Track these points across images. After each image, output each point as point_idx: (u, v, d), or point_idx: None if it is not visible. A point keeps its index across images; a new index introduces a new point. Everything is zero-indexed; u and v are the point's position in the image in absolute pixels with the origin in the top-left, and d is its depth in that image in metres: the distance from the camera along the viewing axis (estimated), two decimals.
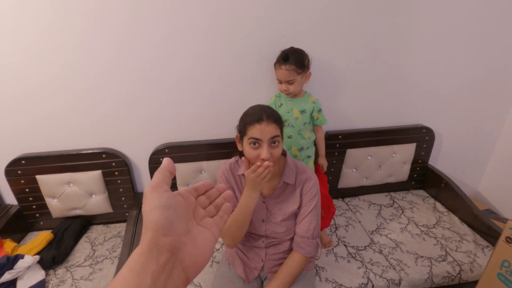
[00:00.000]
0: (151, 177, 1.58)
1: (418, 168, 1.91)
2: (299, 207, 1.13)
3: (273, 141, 1.00)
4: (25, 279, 1.27)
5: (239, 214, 1.05)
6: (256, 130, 0.97)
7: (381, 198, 1.89)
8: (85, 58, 1.34)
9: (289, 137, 1.42)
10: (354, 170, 1.81)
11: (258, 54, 1.46)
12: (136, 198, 1.62)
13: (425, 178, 1.95)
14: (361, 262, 1.41)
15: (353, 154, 1.75)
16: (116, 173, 1.55)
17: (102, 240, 1.55)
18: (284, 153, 1.16)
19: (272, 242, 1.19)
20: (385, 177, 1.87)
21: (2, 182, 1.49)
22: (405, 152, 1.82)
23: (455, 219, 1.70)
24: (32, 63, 1.32)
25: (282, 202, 1.14)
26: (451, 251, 1.48)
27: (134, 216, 1.48)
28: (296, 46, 1.38)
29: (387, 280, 1.32)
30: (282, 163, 1.14)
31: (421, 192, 1.95)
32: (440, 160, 1.98)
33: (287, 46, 1.38)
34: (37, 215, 1.58)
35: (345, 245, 1.52)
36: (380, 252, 1.48)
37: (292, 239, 1.17)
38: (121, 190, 1.60)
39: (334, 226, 1.64)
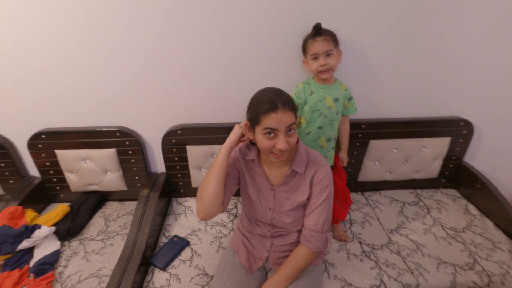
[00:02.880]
0: (164, 158, 1.60)
1: (451, 165, 1.72)
2: (308, 198, 1.06)
3: (289, 129, 0.92)
4: (42, 248, 1.33)
5: (210, 169, 1.01)
6: (272, 120, 0.90)
7: (406, 195, 1.74)
8: (102, 37, 1.32)
9: (320, 127, 1.32)
10: (377, 163, 1.67)
11: (275, 33, 1.35)
12: (149, 178, 1.62)
13: (458, 176, 1.76)
14: (375, 262, 1.31)
15: (376, 146, 1.61)
16: (130, 152, 1.55)
17: (116, 217, 1.59)
18: (297, 140, 1.08)
19: (279, 232, 1.14)
20: (412, 173, 1.71)
21: (26, 155, 1.57)
22: (437, 146, 1.64)
23: (489, 224, 1.52)
24: (51, 42, 1.32)
25: (291, 191, 1.07)
26: (481, 259, 1.33)
27: (145, 196, 1.49)
28: (311, 24, 1.26)
29: (402, 284, 1.22)
30: (293, 150, 1.06)
31: (452, 192, 1.77)
32: (478, 157, 1.77)
33: (309, 25, 1.26)
34: (58, 188, 1.65)
35: (360, 242, 1.42)
36: (398, 253, 1.37)
37: (300, 231, 1.11)
38: (134, 169, 1.61)
39: (349, 221, 1.54)
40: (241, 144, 1.12)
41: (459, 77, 1.52)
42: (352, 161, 1.66)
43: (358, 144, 1.61)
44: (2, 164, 1.56)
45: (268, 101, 0.91)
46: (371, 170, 1.69)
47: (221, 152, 1.01)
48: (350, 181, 1.72)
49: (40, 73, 1.39)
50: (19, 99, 1.45)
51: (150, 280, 1.23)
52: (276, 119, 0.89)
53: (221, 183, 1.01)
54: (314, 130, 1.32)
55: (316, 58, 1.25)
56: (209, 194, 0.99)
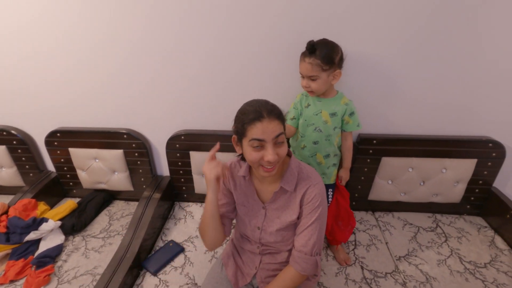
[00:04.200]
0: (168, 162, 1.61)
1: (477, 190, 1.54)
2: (299, 217, 0.99)
3: (277, 140, 0.87)
4: (47, 241, 1.40)
5: (204, 211, 1.02)
6: (258, 130, 0.85)
7: (422, 219, 1.59)
8: (117, 44, 1.38)
9: (315, 142, 1.25)
10: (390, 182, 1.54)
11: (285, 41, 1.30)
12: (153, 180, 1.65)
13: (486, 204, 1.56)
14: None
15: (389, 164, 1.49)
16: (136, 154, 1.59)
17: (120, 216, 1.63)
18: (289, 154, 1.02)
19: (268, 250, 1.08)
20: (430, 196, 1.55)
21: (44, 151, 1.67)
22: (461, 168, 1.47)
23: None
24: (70, 49, 1.41)
25: (281, 209, 1.02)
26: None
27: (146, 198, 1.51)
28: (329, 35, 1.18)
29: None
30: (285, 165, 1.00)
31: (478, 220, 1.58)
32: (511, 184, 1.57)
33: (318, 35, 1.18)
34: (71, 183, 1.74)
35: (362, 267, 1.31)
36: (404, 284, 1.24)
37: (291, 250, 1.04)
38: (140, 171, 1.65)
39: (353, 242, 1.44)
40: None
41: (489, 91, 1.35)
42: (362, 178, 1.55)
43: (368, 160, 1.50)
44: (23, 158, 1.68)
45: (253, 111, 0.87)
46: (383, 189, 1.56)
47: (206, 205, 1.00)
48: (359, 199, 1.61)
49: (59, 76, 1.48)
50: (40, 99, 1.56)
51: (139, 284, 1.24)
52: (262, 128, 0.85)
53: (217, 224, 1.02)
54: (310, 145, 1.25)
55: (302, 77, 1.19)
56: (209, 235, 1.02)
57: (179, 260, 1.35)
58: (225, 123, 1.52)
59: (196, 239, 1.46)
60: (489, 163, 1.46)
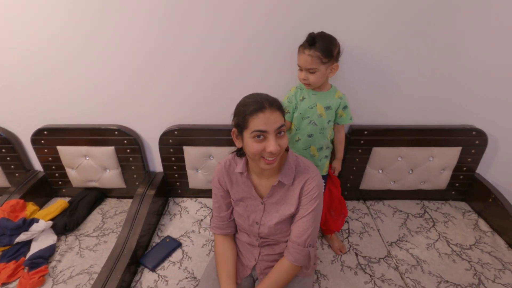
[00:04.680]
0: (161, 158, 1.60)
1: (461, 177, 1.62)
2: (297, 209, 1.01)
3: (279, 131, 0.88)
4: (39, 242, 1.37)
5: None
6: (260, 121, 0.86)
7: (411, 206, 1.65)
8: (104, 38, 1.33)
9: (310, 135, 1.27)
10: (380, 171, 1.60)
11: (277, 36, 1.30)
12: (147, 177, 1.63)
13: (470, 189, 1.65)
14: (371, 276, 1.25)
15: (380, 154, 1.54)
16: (128, 150, 1.56)
17: (113, 214, 1.61)
18: (286, 148, 1.04)
19: (267, 242, 1.10)
20: (418, 183, 1.62)
21: (31, 150, 1.61)
22: (447, 156, 1.54)
23: (501, 242, 1.41)
24: (56, 44, 1.35)
25: (280, 203, 1.03)
26: (487, 280, 1.23)
27: (140, 195, 1.50)
28: (324, 29, 1.19)
29: None
30: (283, 159, 1.02)
31: (462, 205, 1.66)
32: (493, 169, 1.65)
33: (312, 29, 1.18)
34: (60, 182, 1.69)
35: (356, 254, 1.36)
36: (396, 268, 1.29)
37: None
38: (133, 167, 1.62)
39: (347, 231, 1.48)
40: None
41: (473, 84, 1.42)
42: (354, 168, 1.59)
43: (360, 151, 1.54)
44: (8, 158, 1.61)
45: (254, 102, 0.88)
46: (374, 178, 1.61)
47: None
48: (351, 189, 1.66)
49: (45, 73, 1.43)
50: (25, 97, 1.49)
51: (138, 280, 1.23)
52: (264, 119, 0.85)
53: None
54: (304, 138, 1.27)
55: (301, 69, 1.20)
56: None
57: (176, 255, 1.35)
58: (219, 117, 1.51)
59: (193, 233, 1.46)
60: (473, 151, 1.54)
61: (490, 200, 1.51)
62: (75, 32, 1.32)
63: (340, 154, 1.38)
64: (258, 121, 0.86)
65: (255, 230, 1.07)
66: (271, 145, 0.87)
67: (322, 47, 1.12)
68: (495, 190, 1.50)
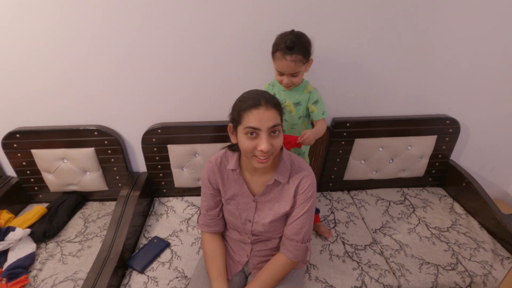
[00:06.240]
0: (145, 157, 1.56)
1: (437, 164, 1.71)
2: (292, 208, 1.02)
3: (273, 130, 0.86)
4: (16, 251, 1.29)
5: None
6: (253, 117, 0.84)
7: (392, 194, 1.73)
8: (78, 32, 1.27)
9: None
10: (363, 161, 1.65)
11: (257, 33, 1.30)
12: (130, 178, 1.58)
13: (445, 175, 1.74)
14: (358, 263, 1.29)
15: (362, 145, 1.59)
16: (109, 151, 1.51)
17: (96, 217, 1.55)
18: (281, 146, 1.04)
19: (259, 239, 1.10)
20: (398, 172, 1.69)
21: (1, 155, 1.51)
22: (423, 145, 1.62)
23: (474, 223, 1.51)
24: (25, 38, 1.26)
25: (274, 201, 1.03)
26: (464, 259, 1.32)
27: (125, 196, 1.45)
28: (299, 23, 1.18)
29: (383, 285, 1.20)
30: (277, 157, 1.02)
31: (439, 190, 1.76)
32: (465, 156, 1.76)
33: (291, 25, 1.14)
34: (36, 188, 1.60)
35: (343, 243, 1.40)
36: (381, 253, 1.35)
37: (281, 237, 1.07)
38: (115, 168, 1.57)
39: (333, 221, 1.52)
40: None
41: (446, 76, 1.49)
42: (338, 159, 1.63)
43: (343, 142, 1.58)
44: None
45: (250, 98, 0.87)
46: (356, 169, 1.66)
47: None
48: (336, 180, 1.70)
49: (13, 71, 1.34)
50: None
51: (127, 284, 1.20)
52: (258, 116, 0.84)
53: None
54: None
55: (281, 74, 1.15)
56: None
57: (165, 255, 1.33)
58: (202, 114, 1.50)
59: (181, 232, 1.45)
60: (447, 138, 1.63)
61: (464, 184, 1.60)
62: (45, 25, 1.25)
63: (315, 130, 1.19)
64: (252, 118, 0.84)
65: (248, 228, 1.07)
66: (263, 143, 0.85)
67: (302, 48, 1.08)
68: (467, 175, 1.59)
